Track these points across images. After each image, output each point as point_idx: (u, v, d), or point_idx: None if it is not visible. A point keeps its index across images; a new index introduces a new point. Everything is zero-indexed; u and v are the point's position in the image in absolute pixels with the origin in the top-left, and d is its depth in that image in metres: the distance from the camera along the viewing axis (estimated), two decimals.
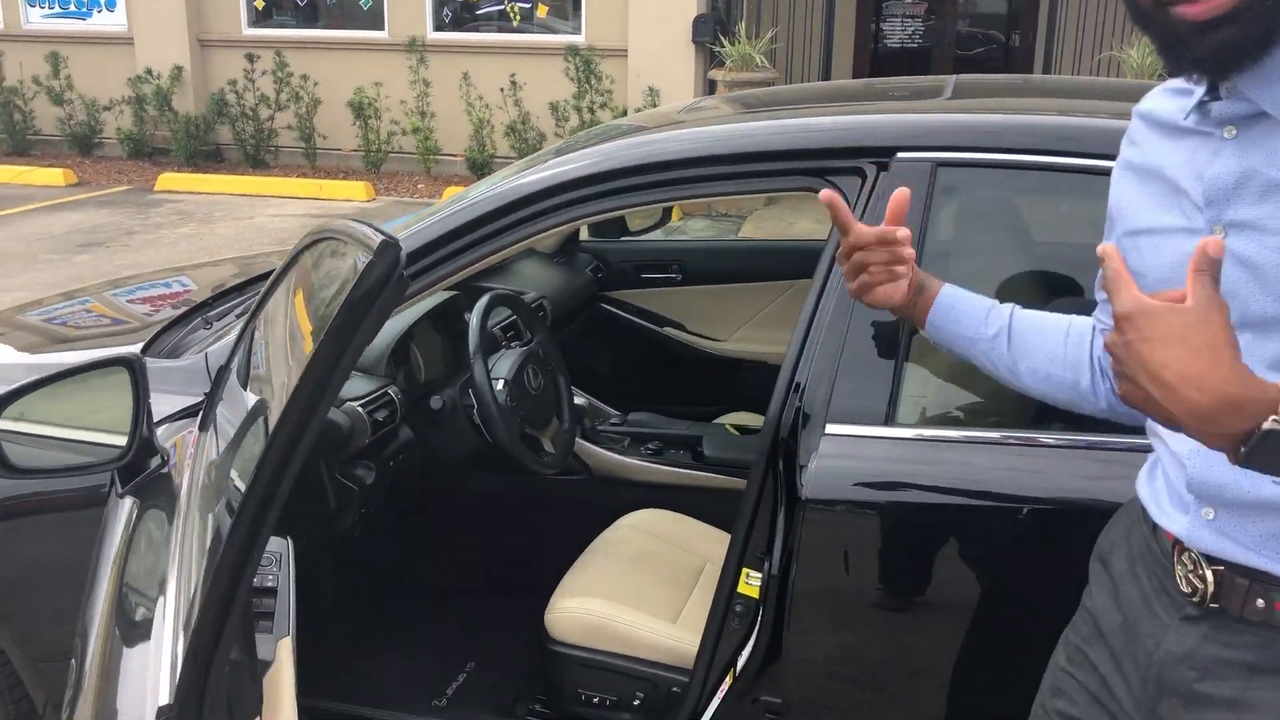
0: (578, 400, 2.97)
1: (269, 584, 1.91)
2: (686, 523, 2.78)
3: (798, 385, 1.96)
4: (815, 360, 1.94)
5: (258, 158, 11.70)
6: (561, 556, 2.60)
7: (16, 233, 9.06)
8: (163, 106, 11.67)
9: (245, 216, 9.79)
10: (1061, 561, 1.62)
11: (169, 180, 11.07)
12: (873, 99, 2.51)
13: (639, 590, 2.45)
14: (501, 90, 10.87)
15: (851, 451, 1.86)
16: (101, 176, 11.55)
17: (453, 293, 2.80)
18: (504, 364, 2.59)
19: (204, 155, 11.80)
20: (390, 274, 1.18)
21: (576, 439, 2.97)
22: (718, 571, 2.15)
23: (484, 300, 2.56)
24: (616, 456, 2.97)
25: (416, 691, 2.63)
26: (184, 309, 2.65)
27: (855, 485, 1.84)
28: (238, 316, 2.39)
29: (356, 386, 2.42)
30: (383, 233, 1.23)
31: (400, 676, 2.69)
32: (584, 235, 3.87)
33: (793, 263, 3.73)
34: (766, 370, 3.62)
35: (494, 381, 2.51)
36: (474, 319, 2.50)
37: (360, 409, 2.35)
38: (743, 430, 3.10)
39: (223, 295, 2.75)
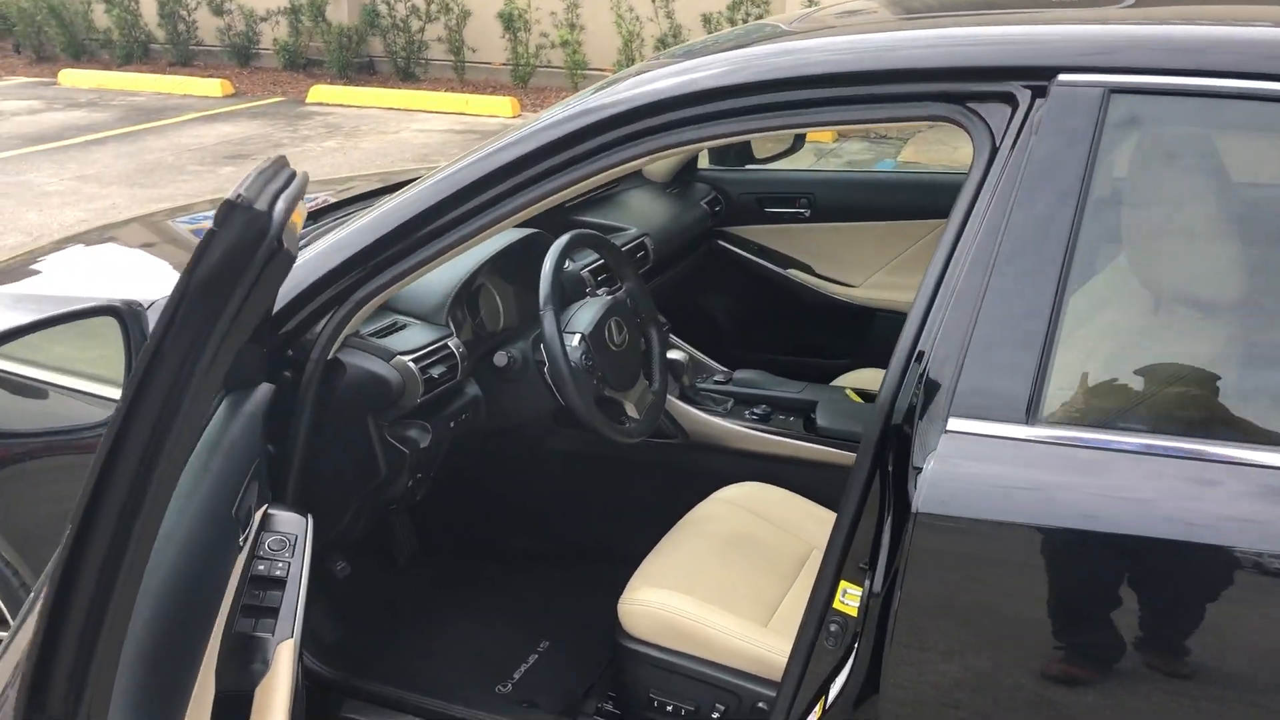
0: (675, 355, 2.62)
1: (277, 573, 1.65)
2: (792, 501, 2.41)
3: (920, 355, 1.56)
4: (942, 331, 1.53)
5: (408, 70, 11.59)
6: (647, 529, 2.30)
7: (171, 143, 9.18)
8: (317, 17, 11.66)
9: (391, 131, 9.69)
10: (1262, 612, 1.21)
11: (320, 93, 11.08)
12: (1030, 6, 2.03)
13: (729, 582, 2.11)
14: (653, 2, 10.40)
15: (980, 454, 1.44)
16: (257, 88, 11.65)
17: (533, 230, 2.47)
18: (583, 316, 2.25)
19: (356, 67, 11.77)
20: (244, 247, 0.85)
21: (673, 398, 2.63)
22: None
23: (561, 241, 2.22)
24: (717, 420, 2.62)
25: (480, 673, 2.37)
26: None
27: (982, 501, 1.43)
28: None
29: (411, 338, 2.13)
30: (249, 195, 0.90)
31: (464, 655, 2.44)
32: (703, 162, 3.48)
33: (942, 199, 3.25)
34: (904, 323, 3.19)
35: (568, 336, 2.18)
36: (547, 262, 2.17)
37: (411, 364, 2.06)
38: (867, 397, 2.69)
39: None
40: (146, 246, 2.67)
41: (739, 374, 2.79)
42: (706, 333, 3.20)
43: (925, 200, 3.32)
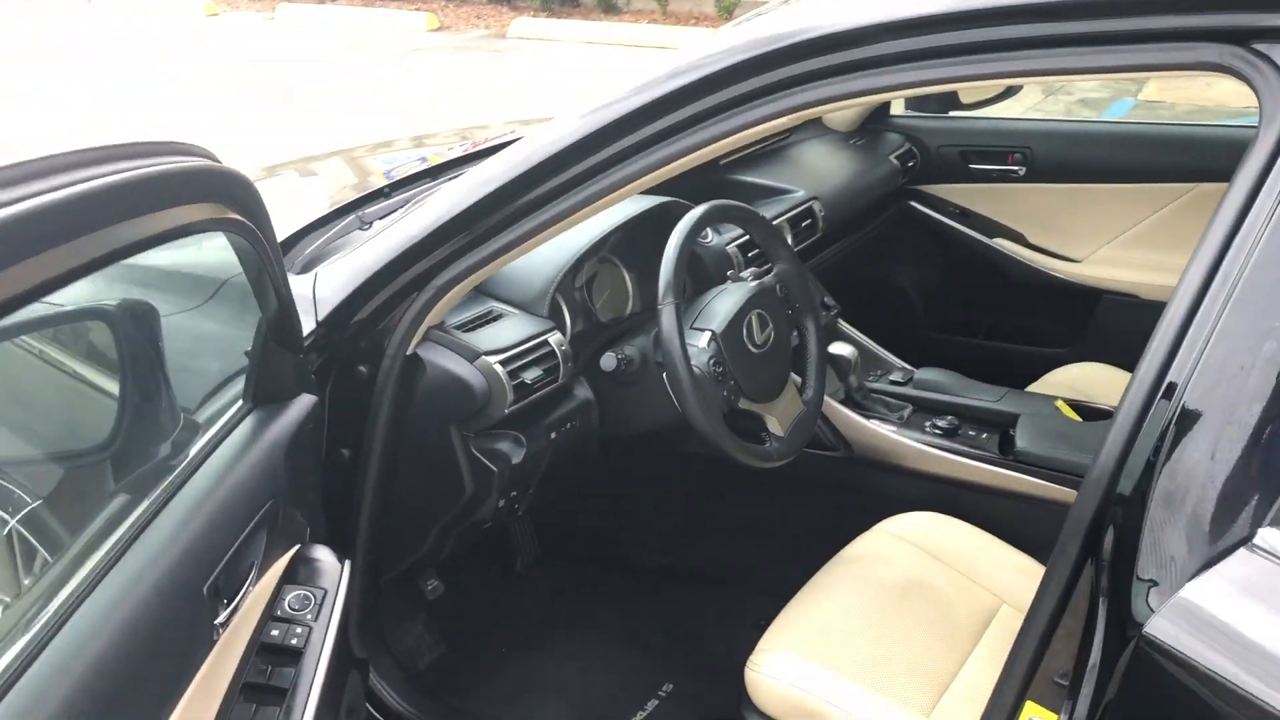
0: (842, 349, 2.15)
1: (292, 642, 1.31)
2: (979, 540, 1.92)
3: (1169, 389, 1.09)
4: (1207, 361, 1.05)
5: (609, 2, 11.23)
6: (797, 556, 1.90)
7: (371, 76, 9.15)
8: None
9: (585, 68, 9.37)
10: None
11: (521, 26, 10.89)
12: None
13: (889, 648, 1.66)
14: None
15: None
16: (461, 21, 11.57)
17: (668, 197, 2.04)
18: (718, 307, 1.82)
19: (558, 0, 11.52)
20: None
21: (835, 403, 2.17)
22: (1016, 623, 1.36)
23: (691, 217, 1.78)
24: (889, 431, 2.14)
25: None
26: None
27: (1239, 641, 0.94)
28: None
29: (502, 333, 1.76)
30: None
31: (575, 695, 2.09)
32: (896, 107, 2.94)
33: (1195, 156, 2.63)
34: (1140, 310, 2.62)
35: (695, 335, 1.76)
36: (671, 242, 1.73)
37: (498, 366, 1.68)
38: (1084, 412, 2.15)
39: (401, 184, 2.15)
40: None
41: (922, 374, 2.29)
42: (887, 317, 2.71)
43: (1172, 158, 2.68)
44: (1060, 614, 1.21)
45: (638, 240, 2.03)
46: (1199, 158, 2.62)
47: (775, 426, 1.85)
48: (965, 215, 2.90)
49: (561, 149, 1.48)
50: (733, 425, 1.76)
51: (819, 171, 2.61)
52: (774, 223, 2.31)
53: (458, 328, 1.74)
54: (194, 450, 1.32)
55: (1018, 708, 1.25)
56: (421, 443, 1.75)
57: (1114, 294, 2.73)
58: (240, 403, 1.45)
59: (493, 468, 1.74)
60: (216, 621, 1.18)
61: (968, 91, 2.89)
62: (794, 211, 2.36)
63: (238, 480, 1.30)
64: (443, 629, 2.18)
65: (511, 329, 1.77)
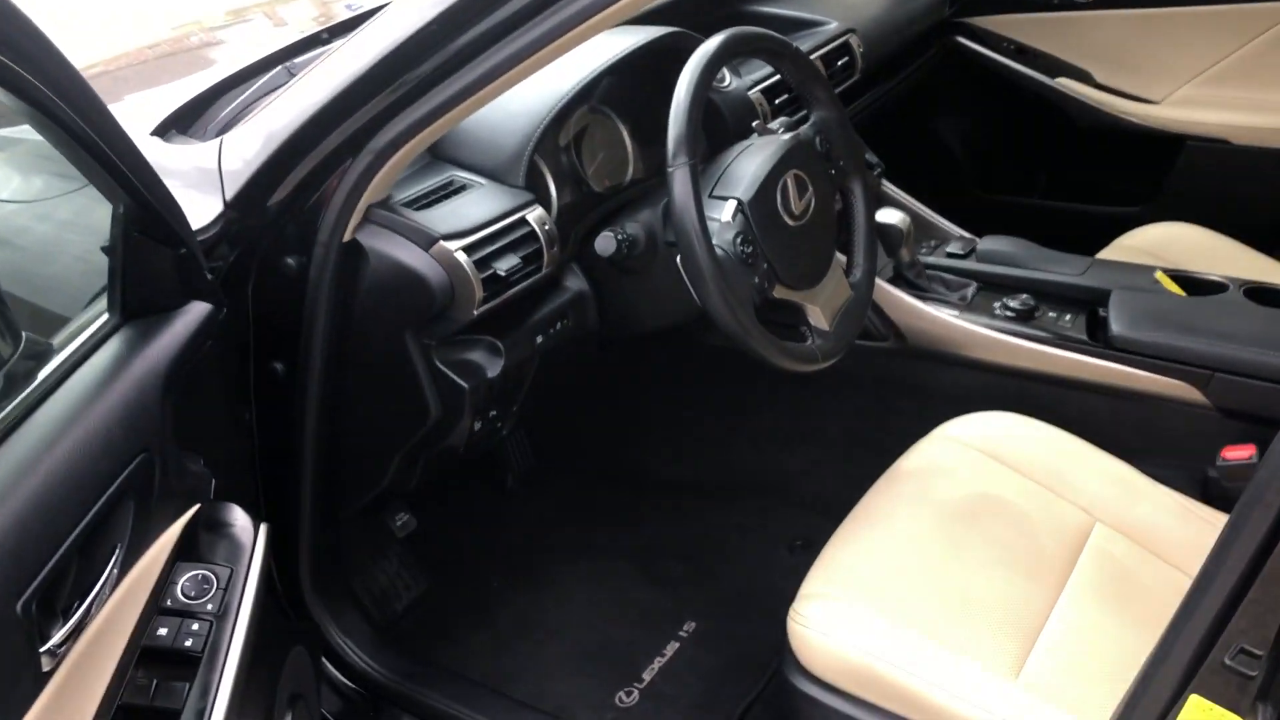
0: (890, 217, 1.75)
1: (186, 644, 0.96)
2: (1065, 444, 1.56)
3: None
4: None
5: None
6: (842, 468, 1.64)
7: None
8: None
9: None
10: None
11: None
12: None
13: (961, 590, 1.32)
14: None
15: None
16: None
17: (673, 29, 1.60)
18: (743, 169, 1.41)
19: None
20: None
21: (883, 283, 1.78)
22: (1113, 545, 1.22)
23: (707, 48, 1.35)
24: (950, 316, 1.75)
25: (597, 672, 1.69)
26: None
27: None
28: None
29: (467, 209, 1.36)
30: None
31: (578, 643, 1.76)
32: None
33: None
34: (1231, 158, 2.21)
35: (715, 205, 1.37)
36: (683, 81, 1.32)
37: (460, 255, 1.29)
38: (1190, 284, 1.75)
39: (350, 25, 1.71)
40: None
41: (987, 243, 1.89)
42: (930, 175, 2.29)
43: None
44: (1252, 577, 0.86)
45: (637, 85, 1.61)
46: None
47: (818, 318, 1.46)
48: (1022, 51, 2.48)
49: None
50: (766, 319, 1.37)
51: (852, 1, 2.17)
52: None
53: (408, 205, 1.34)
54: (31, 387, 0.95)
55: (1178, 701, 0.90)
56: (371, 355, 1.38)
57: (1199, 140, 2.32)
58: (105, 317, 1.06)
59: (462, 384, 1.37)
60: (45, 647, 0.82)
61: None
62: (829, 48, 1.93)
63: (89, 430, 0.92)
64: (423, 564, 1.84)
65: (479, 204, 1.37)
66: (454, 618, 1.79)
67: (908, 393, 1.83)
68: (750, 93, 1.71)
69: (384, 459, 1.47)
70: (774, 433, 1.98)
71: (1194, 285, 1.74)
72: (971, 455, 1.52)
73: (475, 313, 1.31)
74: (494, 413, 1.46)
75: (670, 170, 1.29)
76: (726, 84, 1.70)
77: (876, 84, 2.21)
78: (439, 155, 1.46)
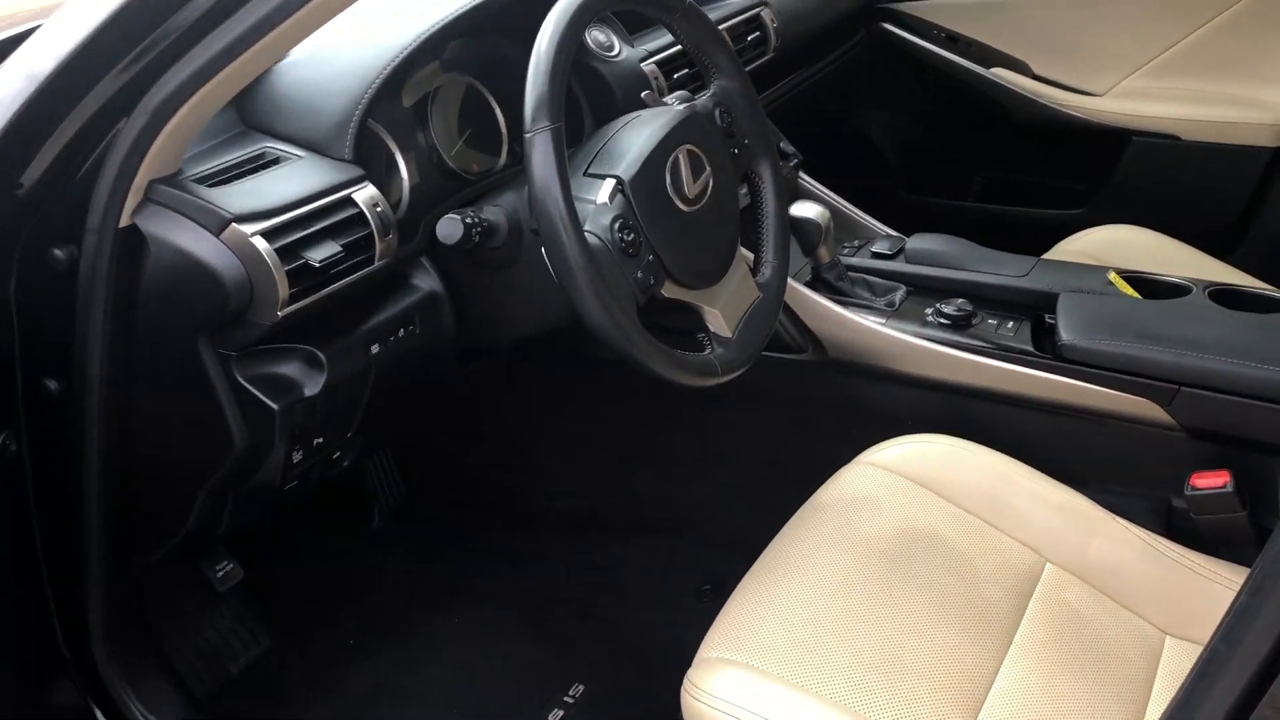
0: (806, 211, 1.52)
1: None
2: (1006, 470, 1.33)
3: None
4: None
5: None
6: (756, 499, 1.41)
7: None
8: None
9: None
10: None
11: None
12: None
13: (889, 650, 1.10)
14: None
15: None
16: None
17: None
18: (627, 142, 1.17)
19: None
20: None
21: (800, 287, 1.55)
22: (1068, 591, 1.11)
23: None
24: (875, 325, 1.52)
25: None
26: None
27: None
28: None
29: (276, 185, 1.09)
30: None
31: (447, 708, 1.49)
32: None
33: None
34: (1180, 155, 2.04)
35: (588, 184, 1.13)
36: (545, 35, 1.07)
37: (260, 241, 1.02)
38: (1145, 285, 1.54)
39: None
40: None
41: (916, 241, 1.67)
42: (863, 173, 2.14)
43: None
44: None
45: (506, 49, 1.36)
46: None
47: (718, 323, 1.22)
48: (953, 40, 2.30)
49: None
50: (653, 324, 1.12)
51: None
52: None
53: (202, 180, 1.07)
54: None
55: None
56: (161, 369, 1.11)
57: (1146, 135, 2.15)
58: None
59: (271, 404, 1.10)
60: None
61: None
62: (737, 19, 1.70)
63: None
64: (263, 619, 1.56)
65: (291, 180, 1.10)
66: (296, 682, 1.51)
67: (829, 411, 1.60)
68: (644, 64, 1.47)
69: (185, 497, 1.19)
70: (679, 458, 1.74)
71: (1152, 288, 1.53)
72: (902, 485, 1.29)
73: (280, 313, 1.04)
74: (320, 440, 1.18)
75: (528, 136, 1.04)
76: (616, 52, 1.46)
77: (795, 69, 2.00)
78: (251, 123, 1.19)
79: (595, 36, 1.45)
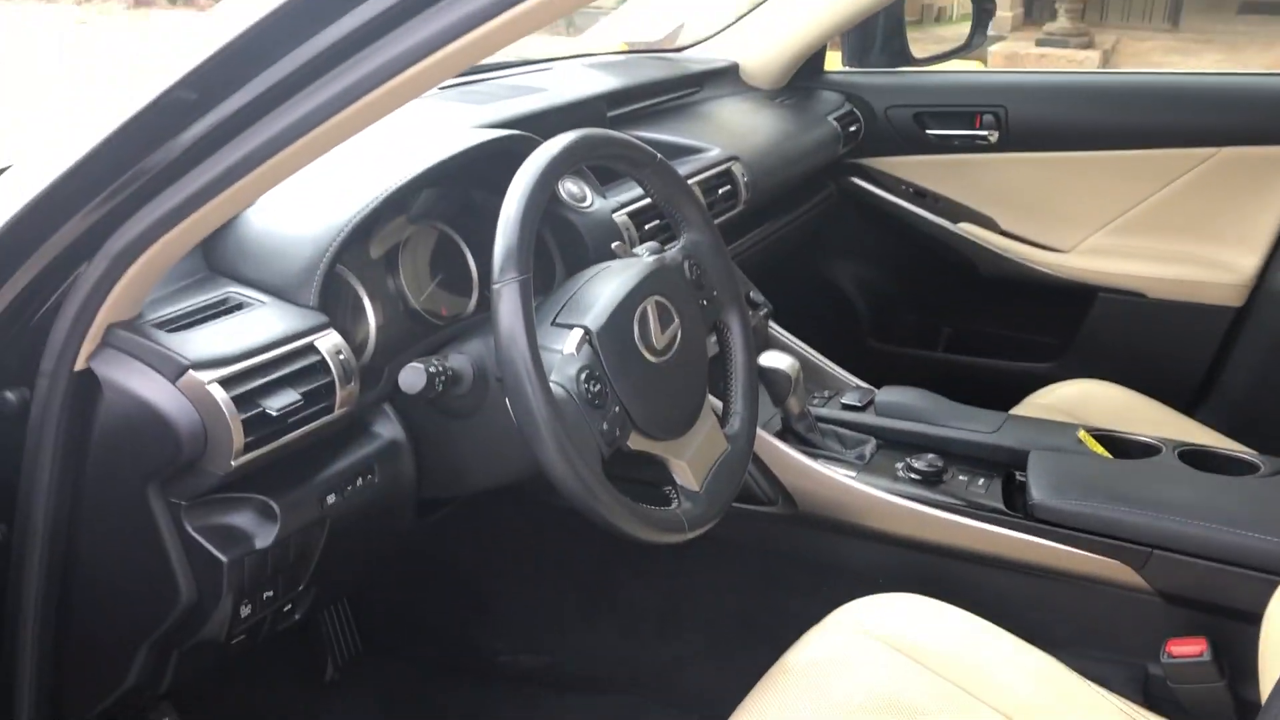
0: (778, 363, 1.52)
1: None
2: (979, 633, 1.29)
3: None
4: None
5: None
6: (724, 661, 1.43)
7: None
8: None
9: None
10: None
11: None
12: None
13: None
14: None
15: None
16: None
17: (511, 132, 1.37)
18: (595, 293, 1.17)
19: None
20: None
21: (770, 438, 1.53)
22: None
23: (547, 150, 1.12)
24: (845, 479, 1.50)
25: None
26: None
27: None
28: None
29: (239, 332, 1.07)
30: None
31: None
32: (833, 61, 2.35)
33: (1214, 112, 2.08)
34: (1146, 312, 2.06)
35: (555, 334, 1.11)
36: (515, 189, 1.07)
37: (217, 389, 1.00)
38: (1116, 444, 1.53)
39: None
40: None
41: (886, 394, 1.66)
42: (832, 323, 2.16)
43: (1185, 116, 2.12)
44: None
45: (476, 195, 1.37)
46: (1220, 115, 2.06)
47: (685, 476, 1.19)
48: (921, 194, 2.33)
49: (285, 11, 0.84)
50: (619, 476, 1.10)
51: (737, 129, 1.99)
52: None
53: (162, 324, 1.05)
54: None
55: None
56: (108, 517, 1.07)
57: (1112, 291, 2.16)
58: None
59: (220, 556, 1.05)
60: None
61: (922, 40, 2.31)
62: (708, 173, 1.72)
63: None
64: None
65: (253, 327, 1.08)
66: None
67: (800, 567, 1.56)
68: (615, 215, 1.48)
69: (125, 652, 1.13)
70: (645, 613, 1.68)
71: (1122, 447, 1.52)
72: (873, 647, 1.25)
73: (234, 463, 1.01)
74: (270, 593, 1.14)
75: (495, 287, 1.04)
76: (587, 203, 1.47)
77: (765, 220, 2.01)
78: (216, 267, 1.18)
79: (568, 187, 1.46)
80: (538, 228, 1.07)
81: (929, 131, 2.26)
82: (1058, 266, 2.21)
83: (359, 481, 1.17)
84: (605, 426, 1.09)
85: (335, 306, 1.19)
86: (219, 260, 1.18)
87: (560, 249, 1.44)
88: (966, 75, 2.35)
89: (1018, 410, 1.82)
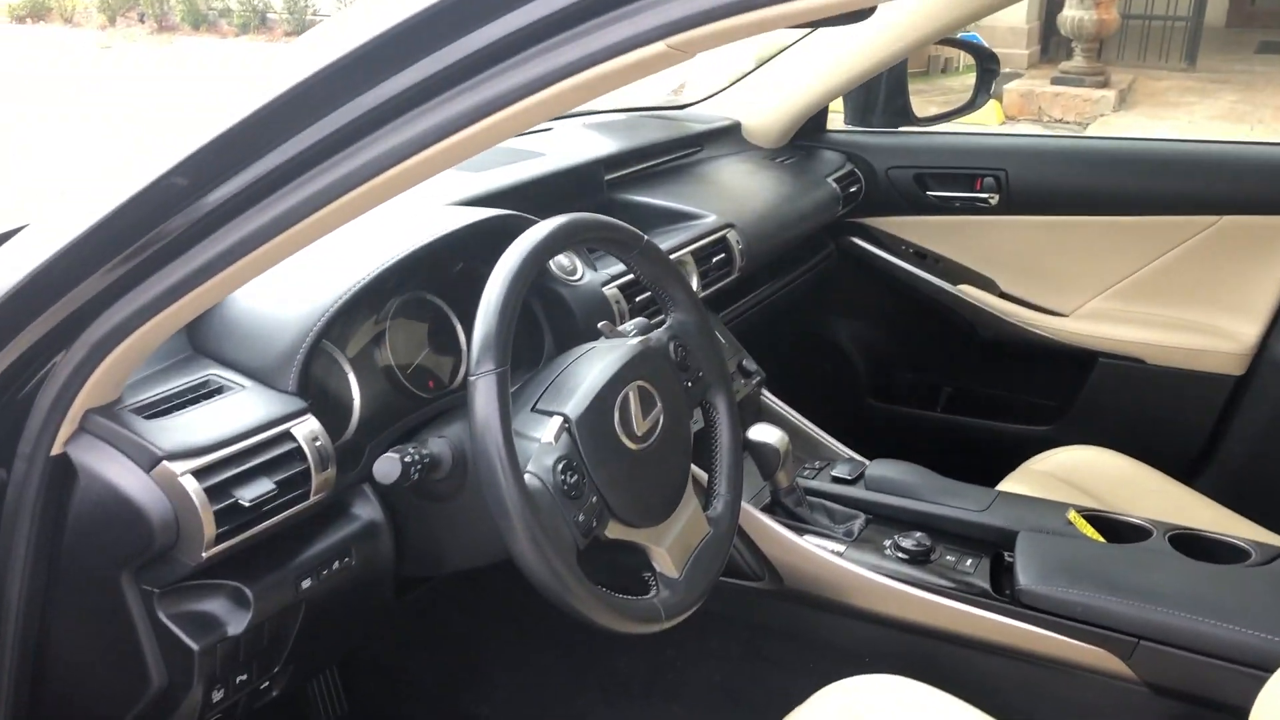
0: (767, 437, 1.51)
1: None
2: (963, 718, 1.27)
3: None
4: None
5: None
6: None
7: None
8: None
9: None
10: None
11: None
12: None
13: None
14: None
15: None
16: None
17: (499, 211, 1.37)
18: (578, 377, 1.17)
19: None
20: None
21: (755, 513, 1.52)
22: None
23: (535, 234, 1.12)
24: (831, 557, 1.48)
25: None
26: None
27: None
28: None
29: (216, 421, 1.07)
30: None
31: None
32: (835, 120, 2.35)
33: (1217, 180, 2.07)
34: (1145, 379, 2.05)
35: (533, 422, 1.11)
36: (497, 277, 1.08)
37: (189, 479, 1.00)
38: (1107, 526, 1.52)
39: None
40: None
41: (876, 467, 1.65)
42: (830, 383, 2.09)
43: (1187, 183, 2.11)
44: None
45: (464, 269, 1.37)
46: (1222, 183, 2.05)
47: (664, 563, 1.19)
48: (921, 256, 2.32)
49: (280, 103, 0.84)
50: (595, 562, 1.09)
51: (735, 193, 1.99)
52: (676, 255, 1.67)
53: (140, 410, 1.06)
54: None
55: None
56: (80, 598, 1.07)
57: (1112, 357, 2.14)
58: None
59: (191, 644, 1.05)
60: None
61: (924, 100, 2.31)
62: (702, 242, 1.72)
63: None
64: None
65: (231, 413, 1.08)
66: None
67: (785, 643, 1.55)
68: (605, 288, 1.48)
69: None
70: (630, 682, 1.67)
71: (1113, 529, 1.51)
72: None
73: (205, 554, 1.01)
74: (243, 677, 1.13)
75: (471, 379, 1.04)
76: (578, 276, 1.47)
77: (762, 282, 2.01)
78: (200, 348, 1.18)
79: (559, 261, 1.46)
80: (527, 301, 1.06)
81: (930, 193, 2.25)
82: (1057, 330, 2.18)
83: (335, 565, 1.17)
84: (581, 517, 1.08)
85: (322, 383, 1.19)
86: (203, 341, 1.18)
87: (550, 322, 1.44)
88: (968, 137, 2.33)
89: (1014, 477, 1.80)
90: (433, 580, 1.37)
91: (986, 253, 2.26)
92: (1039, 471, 1.84)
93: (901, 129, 2.32)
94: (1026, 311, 2.22)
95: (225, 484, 1.02)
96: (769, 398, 1.79)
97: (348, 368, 1.26)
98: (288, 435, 1.09)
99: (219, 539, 1.01)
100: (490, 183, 1.59)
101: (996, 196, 2.20)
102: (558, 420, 1.11)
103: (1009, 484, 1.77)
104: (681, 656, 1.62)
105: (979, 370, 2.31)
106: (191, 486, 0.99)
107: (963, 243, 2.27)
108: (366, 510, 1.22)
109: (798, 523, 1.54)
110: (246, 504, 1.03)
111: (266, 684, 1.21)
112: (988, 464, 1.85)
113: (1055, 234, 2.20)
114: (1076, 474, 1.81)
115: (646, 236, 1.27)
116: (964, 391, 2.34)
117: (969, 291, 2.24)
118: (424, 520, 1.23)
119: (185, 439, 1.02)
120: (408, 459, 1.10)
